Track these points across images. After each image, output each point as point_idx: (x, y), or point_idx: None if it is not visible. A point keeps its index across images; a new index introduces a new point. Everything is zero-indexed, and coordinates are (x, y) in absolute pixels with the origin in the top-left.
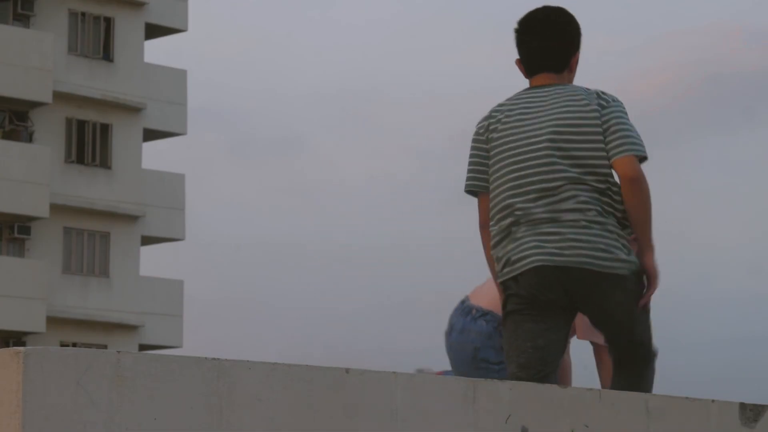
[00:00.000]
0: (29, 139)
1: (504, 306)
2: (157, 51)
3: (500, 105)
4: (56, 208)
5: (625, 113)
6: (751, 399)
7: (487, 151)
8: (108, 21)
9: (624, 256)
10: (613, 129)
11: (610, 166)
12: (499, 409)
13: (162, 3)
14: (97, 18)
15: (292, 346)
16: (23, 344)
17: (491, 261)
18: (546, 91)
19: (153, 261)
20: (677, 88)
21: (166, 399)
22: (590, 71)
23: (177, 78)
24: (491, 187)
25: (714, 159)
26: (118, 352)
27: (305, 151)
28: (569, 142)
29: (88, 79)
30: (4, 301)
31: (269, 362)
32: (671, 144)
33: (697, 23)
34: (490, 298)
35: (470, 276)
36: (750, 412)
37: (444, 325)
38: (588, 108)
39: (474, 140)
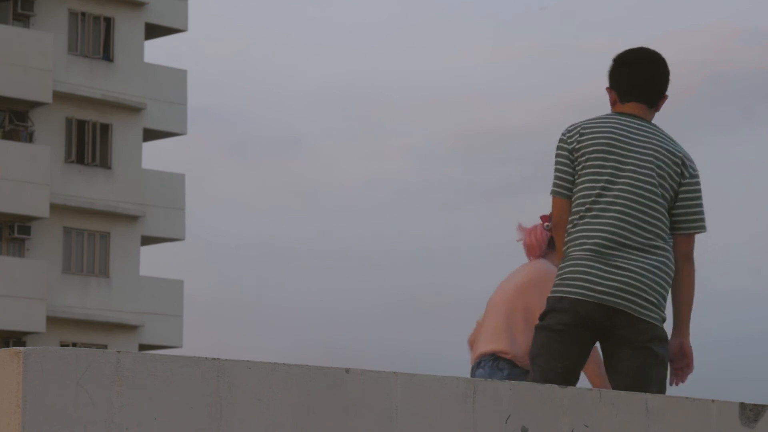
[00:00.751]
0: (29, 139)
1: (543, 316)
2: (157, 51)
3: (587, 122)
4: (56, 208)
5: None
6: (751, 399)
7: (572, 160)
8: (108, 21)
9: (663, 313)
10: (692, 200)
11: (669, 229)
12: (499, 409)
13: (162, 3)
14: (97, 18)
15: (292, 346)
16: (23, 344)
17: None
18: (640, 125)
19: (153, 261)
20: (677, 88)
21: (166, 399)
22: (591, 71)
23: (177, 78)
24: (581, 192)
25: (714, 159)
26: (118, 352)
27: (305, 151)
28: (657, 189)
29: (88, 79)
30: (4, 301)
31: (269, 362)
32: None
33: (697, 23)
34: (478, 345)
35: (470, 276)
36: (750, 412)
37: (442, 325)
38: (675, 164)
39: (560, 147)
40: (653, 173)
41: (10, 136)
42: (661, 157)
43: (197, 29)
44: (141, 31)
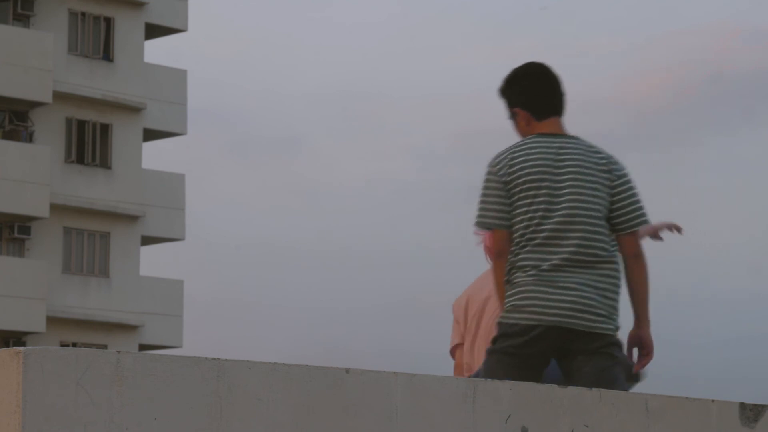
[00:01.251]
0: (29, 139)
1: (494, 340)
2: (157, 51)
3: (513, 151)
4: (56, 208)
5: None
6: (751, 399)
7: (507, 190)
8: (108, 21)
9: (616, 323)
10: (627, 199)
11: (610, 236)
12: (499, 409)
13: (162, 3)
14: (97, 18)
15: (292, 346)
16: (23, 344)
17: (502, 288)
18: (565, 143)
19: (153, 261)
20: (677, 88)
21: (166, 399)
22: (591, 71)
23: (177, 78)
24: (520, 223)
25: (714, 159)
26: (118, 352)
27: (305, 151)
28: (594, 206)
29: (88, 79)
30: (4, 301)
31: (269, 362)
32: (671, 144)
33: (697, 23)
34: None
35: (470, 276)
36: (750, 412)
37: (442, 325)
38: (602, 171)
39: (490, 180)
40: (587, 188)
41: (10, 136)
42: (590, 170)
43: (197, 29)
44: (141, 31)
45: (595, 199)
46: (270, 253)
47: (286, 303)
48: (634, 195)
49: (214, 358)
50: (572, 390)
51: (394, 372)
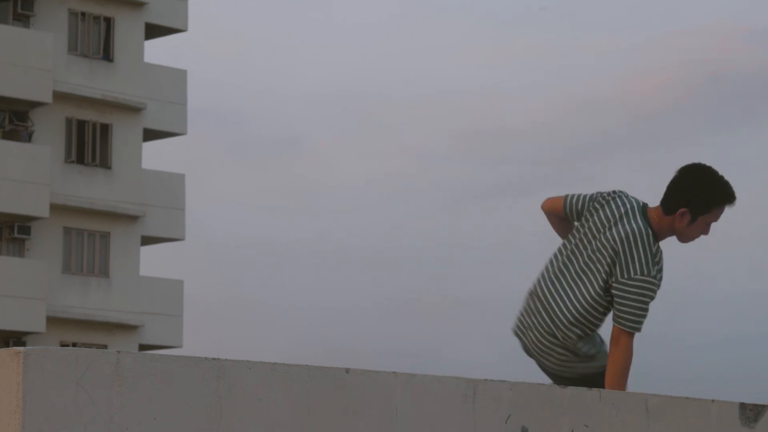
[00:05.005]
0: (29, 139)
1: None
2: (157, 51)
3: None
4: (56, 208)
5: None
6: (751, 399)
7: None
8: (108, 21)
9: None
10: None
11: None
12: (499, 409)
13: (162, 3)
14: (97, 18)
15: (292, 346)
16: (23, 344)
17: None
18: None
19: (153, 261)
20: (678, 88)
21: (166, 399)
22: (591, 71)
23: (177, 78)
24: None
25: (714, 159)
26: (118, 352)
27: (305, 151)
28: None
29: (88, 79)
30: (4, 301)
31: (269, 362)
32: (671, 144)
33: (698, 23)
34: None
35: (470, 276)
36: (750, 412)
37: (442, 325)
38: None
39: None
40: None
41: (10, 136)
42: None
43: (197, 29)
44: (141, 31)
45: None
46: (270, 253)
47: (286, 303)
48: None
49: (214, 358)
50: (572, 390)
51: (394, 372)
